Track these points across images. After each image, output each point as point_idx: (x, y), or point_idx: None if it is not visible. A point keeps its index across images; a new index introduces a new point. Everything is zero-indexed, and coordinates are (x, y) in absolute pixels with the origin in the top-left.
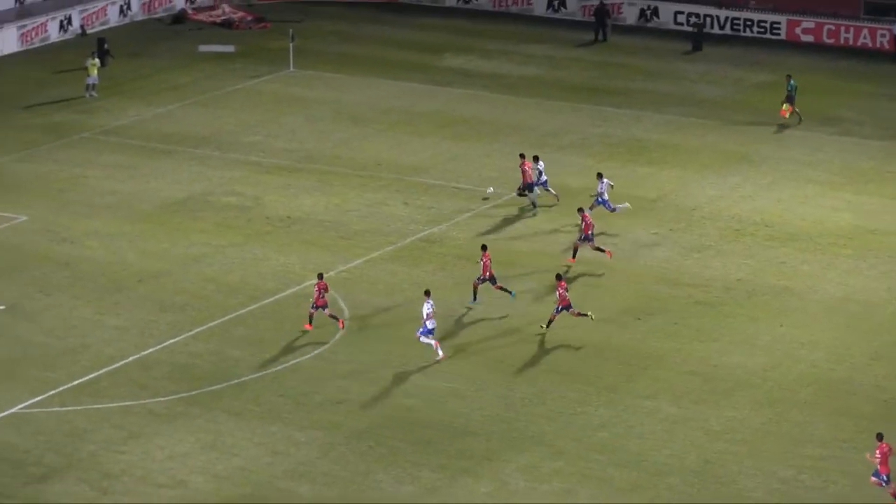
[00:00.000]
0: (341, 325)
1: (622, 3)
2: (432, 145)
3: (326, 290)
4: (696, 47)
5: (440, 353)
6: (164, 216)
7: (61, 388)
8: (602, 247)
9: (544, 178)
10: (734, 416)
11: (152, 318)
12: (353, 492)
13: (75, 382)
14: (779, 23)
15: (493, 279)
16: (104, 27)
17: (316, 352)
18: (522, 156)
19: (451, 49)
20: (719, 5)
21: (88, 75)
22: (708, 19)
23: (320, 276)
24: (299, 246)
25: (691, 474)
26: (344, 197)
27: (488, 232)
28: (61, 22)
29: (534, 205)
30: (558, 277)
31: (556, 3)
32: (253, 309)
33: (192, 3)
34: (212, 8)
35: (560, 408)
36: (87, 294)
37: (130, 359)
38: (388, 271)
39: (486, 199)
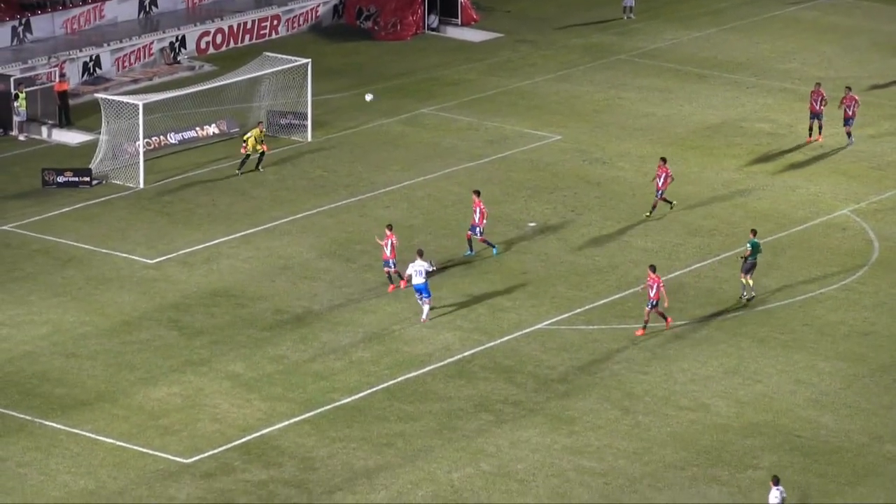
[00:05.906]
0: None
1: None
2: None
3: None
4: None
5: None
6: (696, 140)
7: (588, 307)
8: None
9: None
10: None
11: (680, 241)
12: (875, 424)
13: (602, 301)
14: None
15: None
16: None
17: (843, 282)
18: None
19: None
20: None
21: None
22: None
23: None
24: (830, 175)
25: None
26: (878, 127)
27: None
28: None
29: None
30: None
31: None
32: (781, 237)
33: None
34: None
35: None
36: (616, 215)
37: None
38: None
39: None
